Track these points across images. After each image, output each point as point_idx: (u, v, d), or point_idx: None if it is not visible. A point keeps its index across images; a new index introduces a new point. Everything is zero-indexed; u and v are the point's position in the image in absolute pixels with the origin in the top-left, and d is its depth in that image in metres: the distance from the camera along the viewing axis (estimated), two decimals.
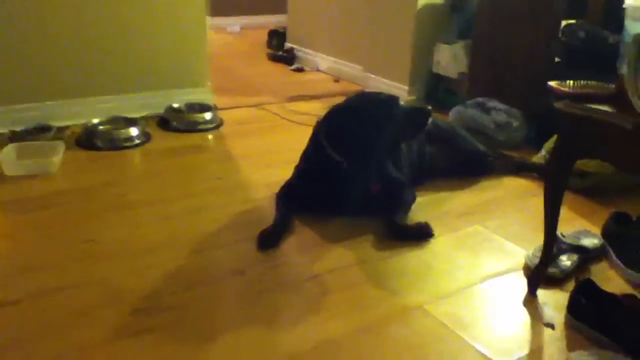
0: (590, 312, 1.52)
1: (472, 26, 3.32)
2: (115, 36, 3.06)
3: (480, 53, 3.28)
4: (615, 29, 2.89)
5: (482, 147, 2.62)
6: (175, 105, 3.21)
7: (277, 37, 5.29)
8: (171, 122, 3.11)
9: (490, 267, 1.86)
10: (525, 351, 1.49)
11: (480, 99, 3.07)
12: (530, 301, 1.68)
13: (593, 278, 1.62)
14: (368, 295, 1.70)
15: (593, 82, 2.21)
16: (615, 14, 2.94)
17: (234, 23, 6.46)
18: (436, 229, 2.04)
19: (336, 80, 4.30)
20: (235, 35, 6.33)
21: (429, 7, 3.54)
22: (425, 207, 2.24)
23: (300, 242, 1.98)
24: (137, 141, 2.84)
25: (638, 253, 1.81)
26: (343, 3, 4.32)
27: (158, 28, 3.16)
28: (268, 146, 2.94)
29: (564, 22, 3.06)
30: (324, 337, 1.51)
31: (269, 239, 1.95)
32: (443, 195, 2.38)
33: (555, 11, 3.04)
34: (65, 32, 2.93)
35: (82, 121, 2.91)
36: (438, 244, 1.99)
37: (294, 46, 5.01)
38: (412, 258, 1.90)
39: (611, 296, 1.53)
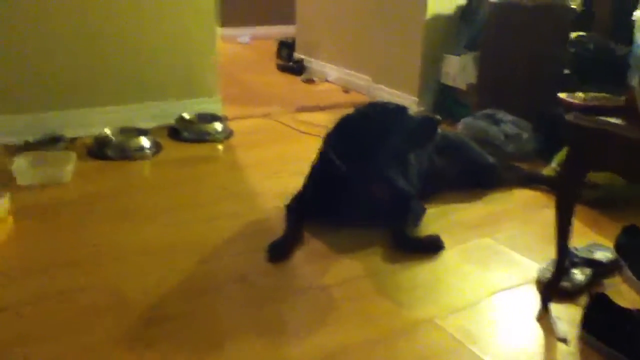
0: (604, 327, 1.50)
1: (480, 38, 3.32)
2: (127, 47, 3.08)
3: (489, 64, 3.28)
4: (624, 40, 2.90)
5: (491, 159, 2.61)
6: (186, 115, 3.22)
7: (286, 48, 5.31)
8: (182, 132, 3.12)
9: (502, 280, 1.85)
10: None
11: (489, 111, 3.06)
12: (543, 315, 1.67)
13: (607, 292, 1.60)
14: (377, 308, 1.70)
15: (603, 94, 2.22)
16: (624, 26, 2.94)
17: (244, 33, 6.50)
18: (446, 241, 2.03)
19: (345, 91, 4.31)
20: (245, 46, 6.37)
21: (437, 18, 3.55)
22: (434, 218, 2.24)
23: (309, 253, 1.98)
24: (147, 151, 2.85)
25: None
26: (352, 14, 4.34)
27: (169, 39, 3.19)
28: (277, 156, 2.95)
29: (572, 34, 3.06)
30: (332, 349, 1.50)
31: (280, 251, 1.95)
32: (453, 207, 2.37)
33: (564, 23, 3.04)
34: (77, 43, 2.95)
35: (94, 131, 2.92)
36: (448, 257, 1.98)
37: (304, 57, 5.03)
38: (422, 270, 1.90)
39: (626, 311, 1.52)
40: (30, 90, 2.90)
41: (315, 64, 4.86)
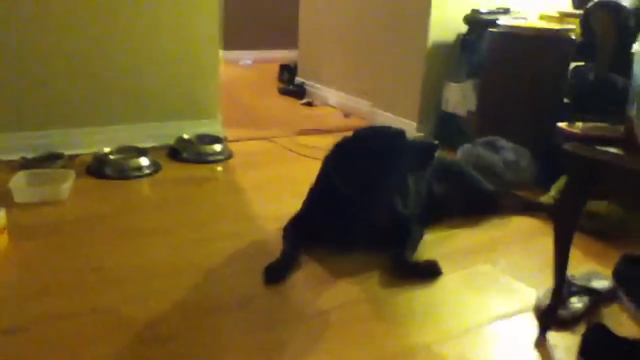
0: (602, 356, 1.49)
1: (481, 66, 3.35)
2: (128, 67, 3.10)
3: (489, 92, 3.30)
4: (624, 72, 2.92)
5: (490, 186, 2.62)
6: (186, 136, 3.23)
7: (288, 72, 5.35)
8: (181, 152, 3.13)
9: (500, 307, 1.84)
10: None
11: (489, 138, 3.07)
12: (541, 343, 1.66)
13: (605, 321, 1.60)
14: (374, 333, 1.68)
15: (602, 124, 2.22)
16: (624, 58, 2.97)
17: (246, 57, 6.56)
18: (444, 266, 2.02)
19: (346, 115, 4.33)
20: (247, 69, 6.42)
21: (438, 46, 3.59)
22: (433, 244, 2.23)
23: (306, 276, 1.97)
24: (147, 171, 2.85)
25: None
26: (354, 40, 4.38)
27: (171, 60, 3.21)
28: (277, 179, 2.95)
29: (572, 64, 3.09)
30: None
31: (276, 273, 1.94)
32: (451, 232, 2.37)
33: (563, 53, 3.07)
34: (78, 62, 2.97)
35: (93, 150, 2.93)
36: (446, 282, 1.97)
37: (305, 81, 5.06)
38: (419, 296, 1.89)
39: (624, 340, 1.51)
40: (30, 108, 2.92)
41: (316, 88, 4.89)
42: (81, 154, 2.96)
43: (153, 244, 2.15)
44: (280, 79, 5.43)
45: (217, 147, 3.19)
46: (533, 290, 1.92)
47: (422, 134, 3.61)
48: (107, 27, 3.00)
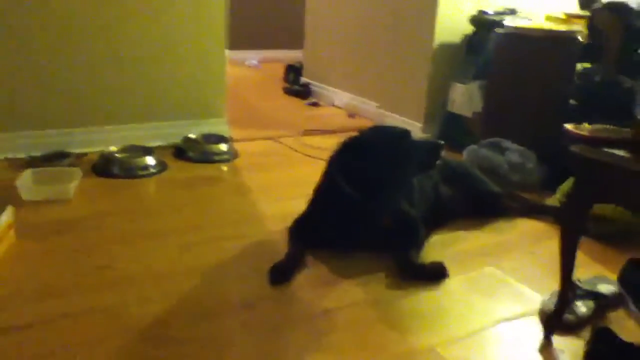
0: None
1: (487, 67, 3.35)
2: (135, 67, 3.11)
3: (495, 93, 3.30)
4: (631, 73, 2.91)
5: (496, 188, 2.61)
6: (192, 135, 3.24)
7: (293, 72, 5.35)
8: (187, 152, 3.13)
9: (505, 310, 1.84)
10: None
11: (494, 139, 3.07)
12: (546, 347, 1.65)
13: (610, 326, 1.59)
14: (379, 335, 1.68)
15: (609, 126, 2.21)
16: (631, 59, 2.96)
17: (252, 57, 6.56)
18: (450, 269, 2.02)
19: (351, 116, 4.33)
20: (253, 69, 6.42)
21: (445, 47, 3.58)
22: (438, 246, 2.23)
23: (311, 277, 1.97)
24: (153, 170, 2.86)
25: None
26: (360, 41, 4.37)
27: (178, 60, 3.22)
28: (282, 179, 2.95)
29: (579, 66, 3.08)
30: None
31: (281, 274, 1.94)
32: (457, 235, 2.37)
33: (570, 54, 3.06)
34: (85, 62, 2.98)
35: (100, 149, 2.94)
36: (451, 285, 1.97)
37: (310, 81, 5.06)
38: (424, 298, 1.89)
39: (629, 345, 1.50)
40: (38, 107, 2.93)
41: (321, 89, 4.89)
42: (88, 153, 2.97)
43: (158, 243, 2.15)
44: (286, 79, 5.43)
45: (223, 147, 3.19)
46: (538, 293, 1.91)
47: (427, 135, 3.60)
48: (113, 28, 3.00)
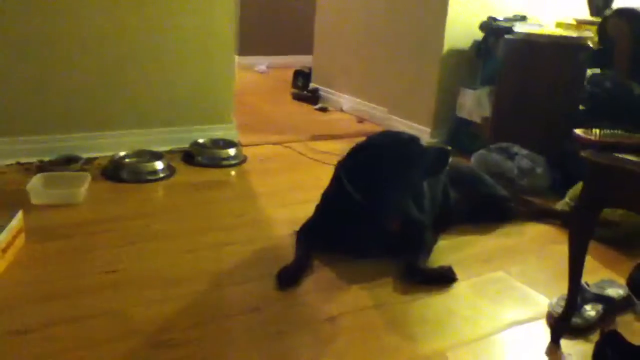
0: None
1: (497, 72, 3.34)
2: (144, 73, 3.13)
3: (504, 99, 3.29)
4: None
5: (505, 193, 2.61)
6: (201, 140, 3.25)
7: (302, 77, 5.36)
8: (196, 156, 3.14)
9: (513, 314, 1.83)
10: None
11: (503, 144, 3.06)
12: (554, 351, 1.65)
13: (618, 329, 1.58)
14: (386, 340, 1.68)
15: (619, 132, 2.20)
16: None
17: (261, 62, 6.58)
18: (458, 273, 2.02)
19: (359, 121, 4.33)
20: (261, 74, 6.45)
21: (454, 52, 3.58)
22: (447, 251, 2.23)
23: (318, 282, 1.97)
24: (161, 175, 2.87)
25: None
26: (369, 46, 4.38)
27: (187, 65, 3.24)
28: (290, 184, 2.96)
29: (589, 72, 3.07)
30: None
31: (288, 277, 1.94)
32: (465, 239, 2.36)
33: (580, 60, 3.06)
34: (96, 67, 3.00)
35: (109, 153, 2.96)
36: (460, 289, 1.96)
37: (319, 86, 5.08)
38: (433, 303, 1.88)
39: (637, 348, 1.49)
40: (48, 112, 2.95)
41: (330, 94, 4.90)
42: (98, 157, 2.99)
43: (166, 247, 2.16)
44: (295, 84, 5.45)
45: (231, 152, 3.20)
46: (546, 297, 1.91)
47: (436, 140, 3.60)
48: (123, 34, 3.03)
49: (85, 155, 2.95)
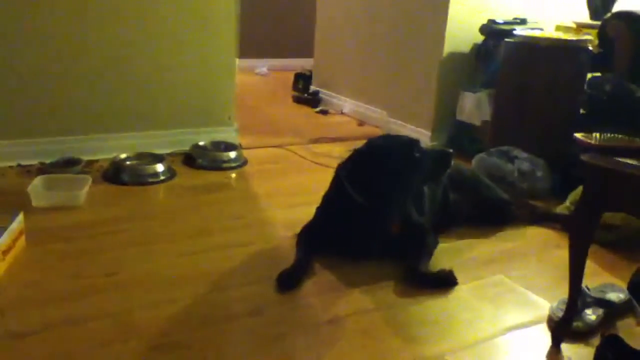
0: None
1: (497, 76, 3.35)
2: (145, 75, 3.14)
3: (504, 102, 3.29)
4: None
5: (505, 196, 2.61)
6: (201, 143, 3.26)
7: (303, 80, 5.37)
8: (196, 159, 3.15)
9: (513, 318, 1.83)
10: None
11: (503, 147, 3.06)
12: (554, 355, 1.65)
13: (619, 333, 1.58)
14: (387, 342, 1.68)
15: (619, 135, 2.21)
16: None
17: (261, 65, 6.59)
18: (458, 277, 2.01)
19: (360, 124, 4.34)
20: (262, 77, 6.45)
21: (454, 56, 3.59)
22: (447, 254, 2.23)
23: (319, 284, 1.97)
24: (162, 177, 2.88)
25: None
26: (368, 49, 4.39)
27: (188, 68, 3.24)
28: (291, 186, 2.96)
29: (589, 75, 3.07)
30: None
31: (289, 280, 1.94)
32: (466, 242, 2.36)
33: (580, 63, 3.06)
34: (97, 70, 3.01)
35: (110, 156, 2.96)
36: (460, 293, 1.96)
37: (319, 89, 5.08)
38: (433, 306, 1.88)
39: (638, 352, 1.49)
40: (49, 114, 2.95)
41: (330, 97, 4.91)
42: (99, 160, 2.99)
43: (167, 250, 2.16)
44: (295, 87, 5.45)
45: (232, 154, 3.21)
46: (547, 301, 1.91)
47: (436, 143, 3.61)
48: (125, 36, 3.03)
49: (86, 158, 2.95)
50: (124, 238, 2.23)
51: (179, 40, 3.18)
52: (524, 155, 2.98)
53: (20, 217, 2.08)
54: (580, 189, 2.09)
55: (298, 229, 2.23)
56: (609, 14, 3.20)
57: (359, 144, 2.20)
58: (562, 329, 1.69)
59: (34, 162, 2.88)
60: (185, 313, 1.75)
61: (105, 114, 3.08)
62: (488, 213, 2.53)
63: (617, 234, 2.32)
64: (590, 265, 1.73)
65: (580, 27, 3.45)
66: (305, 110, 4.84)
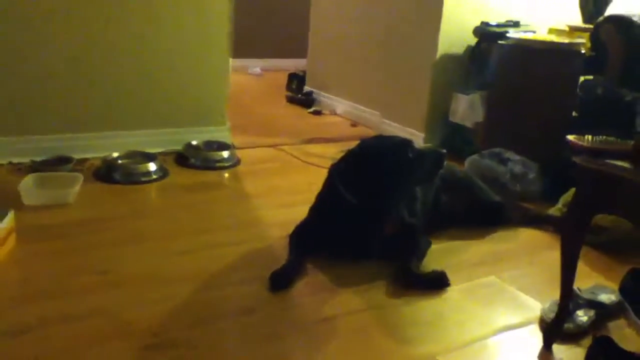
0: None
1: (490, 78, 3.36)
2: (139, 74, 3.12)
3: (497, 104, 3.31)
4: (634, 86, 2.92)
5: (498, 198, 2.62)
6: (194, 142, 3.25)
7: (296, 80, 5.37)
8: (189, 158, 3.14)
9: (505, 319, 1.84)
10: None
11: (496, 149, 3.07)
12: (546, 356, 1.65)
13: (610, 335, 1.59)
14: (378, 343, 1.68)
15: (611, 138, 2.22)
16: (635, 72, 2.97)
17: (255, 65, 6.58)
18: (450, 278, 2.02)
19: (353, 125, 4.34)
20: (255, 77, 6.44)
21: (447, 57, 3.59)
22: (439, 255, 2.23)
23: (311, 284, 1.97)
24: (154, 176, 2.86)
25: None
26: (362, 49, 4.39)
27: (181, 67, 3.23)
28: (283, 186, 2.95)
29: (582, 78, 3.09)
30: None
31: (281, 280, 1.94)
32: (458, 244, 2.37)
33: (572, 66, 3.07)
34: (89, 68, 2.99)
35: (102, 154, 2.95)
36: (452, 294, 1.97)
37: (313, 90, 5.08)
38: (425, 306, 1.88)
39: (629, 354, 1.50)
40: (41, 112, 2.93)
41: (324, 97, 4.91)
42: (90, 158, 2.97)
43: (159, 249, 2.15)
44: (289, 87, 5.45)
45: (225, 154, 3.20)
46: (539, 302, 1.91)
47: (429, 145, 3.61)
48: (117, 34, 3.02)
49: (77, 156, 2.93)
50: (116, 236, 2.22)
51: (172, 39, 3.16)
52: (517, 157, 2.99)
53: (11, 215, 2.07)
54: (572, 191, 2.10)
55: (291, 229, 2.23)
56: (601, 18, 3.21)
57: (352, 144, 2.20)
58: (554, 330, 1.69)
59: (25, 159, 2.86)
60: (178, 311, 1.75)
61: (97, 112, 3.06)
62: (480, 214, 2.54)
63: (607, 235, 2.33)
64: (581, 267, 1.73)
65: (573, 30, 3.47)
66: (299, 110, 4.84)
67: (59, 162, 2.84)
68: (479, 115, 3.43)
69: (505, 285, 2.06)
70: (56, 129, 2.97)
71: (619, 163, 1.52)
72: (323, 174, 2.25)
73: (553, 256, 1.69)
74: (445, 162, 2.18)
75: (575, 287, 1.73)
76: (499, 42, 3.27)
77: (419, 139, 3.62)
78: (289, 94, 5.28)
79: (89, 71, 2.99)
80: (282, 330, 1.70)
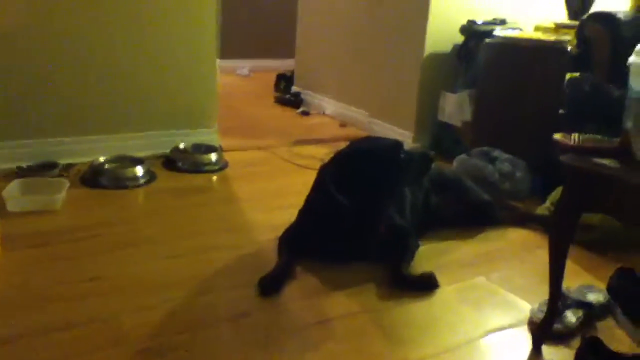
0: None
1: (477, 76, 3.36)
2: (124, 76, 3.10)
3: (485, 103, 3.31)
4: (621, 83, 2.92)
5: (487, 197, 2.61)
6: (181, 145, 3.23)
7: (284, 81, 5.36)
8: (177, 162, 3.12)
9: (494, 320, 1.84)
10: None
11: (484, 148, 3.08)
12: (535, 357, 1.65)
13: (599, 335, 1.59)
14: (370, 345, 1.67)
15: (598, 136, 2.22)
16: (621, 69, 2.97)
17: (243, 66, 6.56)
18: (440, 279, 2.01)
19: (342, 125, 4.33)
20: (243, 78, 6.42)
21: (435, 56, 3.59)
22: (429, 256, 2.23)
23: (302, 288, 1.96)
24: (142, 180, 2.84)
25: None
26: (350, 49, 4.39)
27: (168, 69, 3.21)
28: (272, 189, 2.94)
29: (568, 75, 3.09)
30: None
31: (271, 285, 1.92)
32: (447, 244, 2.36)
33: (560, 64, 3.08)
34: (75, 72, 2.97)
35: (88, 159, 2.92)
36: (442, 295, 1.96)
37: (301, 90, 5.07)
38: (415, 308, 1.88)
39: (618, 354, 1.50)
40: (26, 117, 2.90)
41: (312, 98, 4.90)
42: (77, 163, 2.94)
43: (147, 254, 2.13)
44: (277, 88, 5.43)
45: (213, 157, 3.18)
46: (528, 303, 1.91)
47: (418, 145, 3.61)
48: (103, 37, 3.00)
49: (63, 161, 2.91)
50: (104, 242, 2.20)
51: (159, 41, 3.15)
52: (505, 156, 2.99)
53: None
54: (559, 189, 2.10)
55: (280, 231, 2.22)
56: (586, 15, 3.22)
57: (342, 145, 2.20)
58: (543, 331, 1.69)
59: (10, 165, 2.82)
60: (168, 317, 1.73)
61: (82, 116, 3.04)
62: (470, 214, 2.53)
63: (595, 233, 2.33)
64: (570, 266, 1.73)
65: (559, 27, 3.47)
66: (287, 111, 4.83)
67: (44, 168, 2.82)
68: (467, 114, 3.43)
69: (494, 286, 2.05)
70: (41, 133, 2.94)
71: (606, 161, 1.52)
72: (312, 175, 2.24)
73: (542, 255, 1.69)
74: (434, 164, 2.18)
75: (564, 287, 1.72)
76: (486, 40, 3.27)
77: (408, 139, 3.62)
78: (278, 94, 5.27)
79: (73, 75, 2.97)
80: (276, 334, 1.69)
